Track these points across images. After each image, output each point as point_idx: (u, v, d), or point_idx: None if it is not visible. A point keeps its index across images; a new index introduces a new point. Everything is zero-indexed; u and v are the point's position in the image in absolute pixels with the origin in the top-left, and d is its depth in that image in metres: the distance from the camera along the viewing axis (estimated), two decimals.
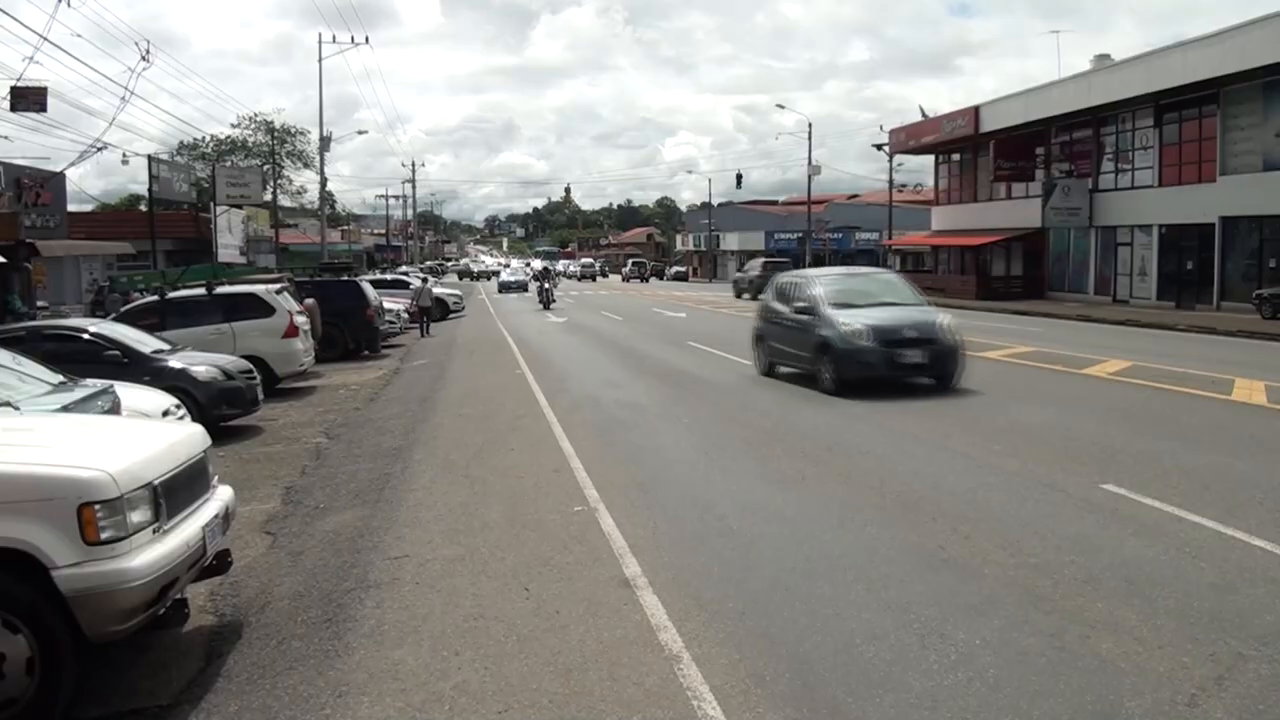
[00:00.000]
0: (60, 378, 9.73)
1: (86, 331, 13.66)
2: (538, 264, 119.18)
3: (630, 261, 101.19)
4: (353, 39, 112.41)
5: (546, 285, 45.61)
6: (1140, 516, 7.88)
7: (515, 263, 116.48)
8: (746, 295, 47.82)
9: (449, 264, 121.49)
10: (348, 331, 24.18)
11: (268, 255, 54.66)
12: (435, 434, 12.72)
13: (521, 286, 67.19)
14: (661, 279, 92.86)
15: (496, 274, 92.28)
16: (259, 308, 17.72)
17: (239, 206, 51.82)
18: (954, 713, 4.63)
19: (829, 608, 6.00)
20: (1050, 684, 4.89)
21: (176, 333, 16.09)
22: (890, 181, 62.55)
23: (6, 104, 28.74)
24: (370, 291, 25.68)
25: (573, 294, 49.80)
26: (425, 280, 38.48)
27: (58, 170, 36.28)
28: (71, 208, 42.62)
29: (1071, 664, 5.12)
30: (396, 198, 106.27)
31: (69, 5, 29.03)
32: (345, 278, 27.09)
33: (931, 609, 5.92)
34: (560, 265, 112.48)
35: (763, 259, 58.95)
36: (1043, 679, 4.95)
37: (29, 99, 29.07)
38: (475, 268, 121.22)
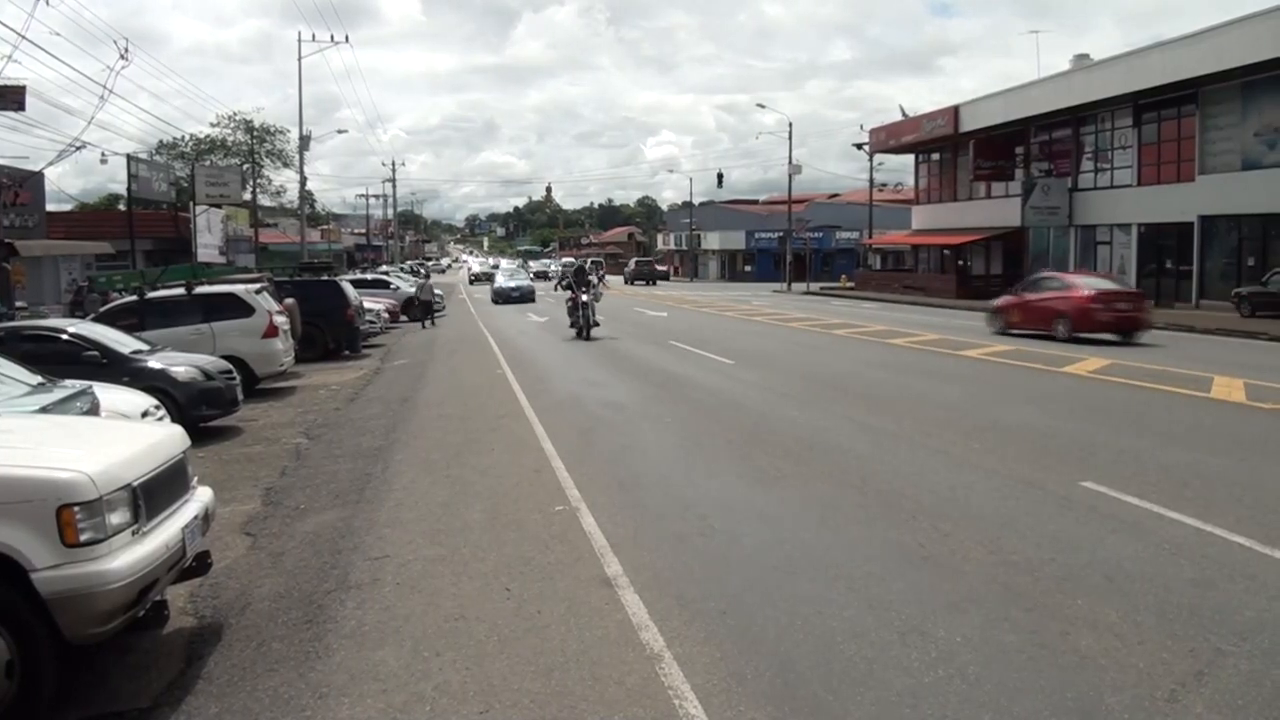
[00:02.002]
0: (39, 378, 9.66)
1: (65, 332, 13.57)
2: (537, 263, 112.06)
3: (589, 261, 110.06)
4: (332, 37, 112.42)
5: (585, 298, 26.47)
6: (1119, 514, 7.93)
7: (506, 263, 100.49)
8: (630, 283, 71.01)
9: (430, 263, 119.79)
10: (328, 331, 24.07)
11: (247, 255, 54.50)
12: (416, 434, 12.68)
13: (524, 296, 48.92)
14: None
15: (490, 277, 71.68)
16: (238, 308, 17.62)
17: (218, 206, 51.60)
18: (934, 710, 4.65)
19: (810, 606, 6.02)
20: (1030, 680, 4.91)
21: (156, 333, 16.00)
22: (870, 181, 62.75)
23: None
24: (350, 291, 25.57)
25: (553, 294, 47.06)
26: (428, 276, 45.63)
27: (36, 169, 36.11)
28: (50, 207, 42.44)
29: (1051, 660, 5.15)
30: (377, 197, 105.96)
31: (47, 3, 28.86)
32: (325, 277, 26.98)
33: (912, 606, 5.95)
34: (543, 264, 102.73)
35: (636, 258, 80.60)
36: (1023, 675, 4.97)
37: (7, 98, 28.93)
38: (477, 268, 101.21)
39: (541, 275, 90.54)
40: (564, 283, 26.90)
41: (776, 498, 8.84)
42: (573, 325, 26.94)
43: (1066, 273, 31.28)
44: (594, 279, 27.31)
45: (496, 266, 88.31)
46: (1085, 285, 25.36)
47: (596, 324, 26.75)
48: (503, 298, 49.11)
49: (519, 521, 8.23)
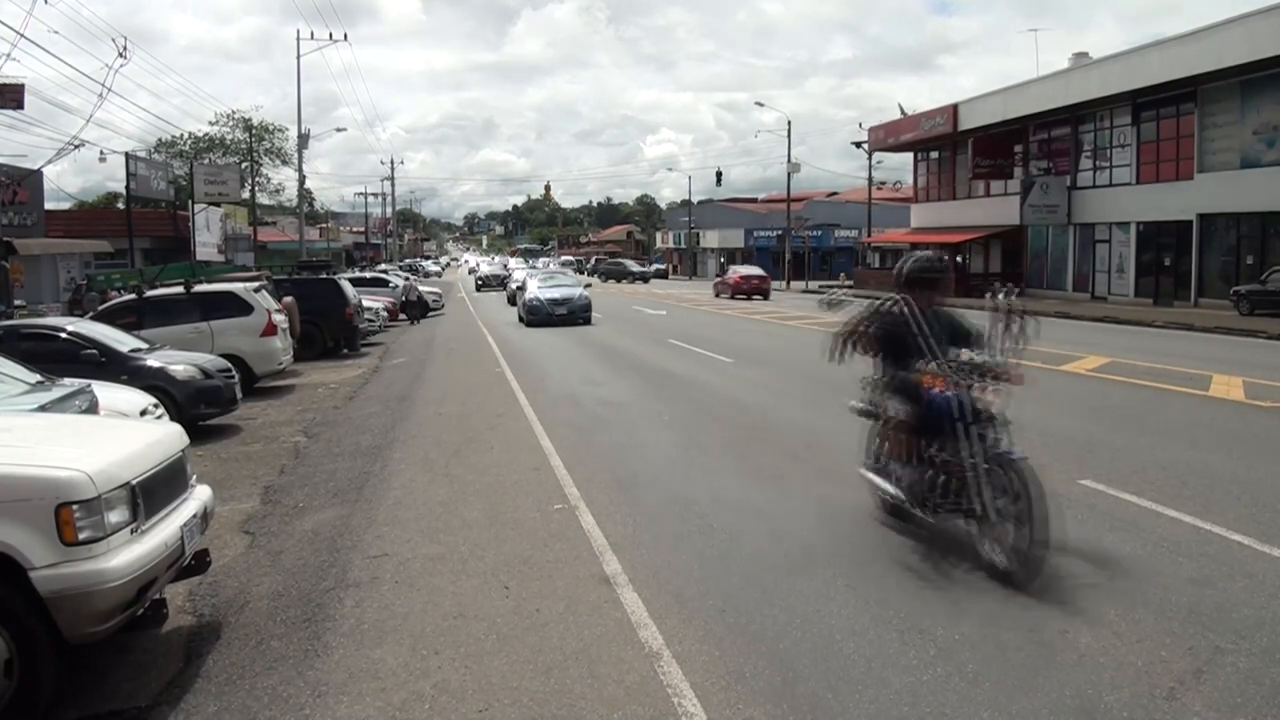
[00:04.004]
0: (38, 377, 9.66)
1: (64, 330, 13.56)
2: (634, 262, 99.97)
3: (1006, 291, 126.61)
4: (331, 35, 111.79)
5: (982, 394, 6.83)
6: (1118, 512, 7.93)
7: (514, 262, 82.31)
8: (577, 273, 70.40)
9: (427, 262, 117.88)
10: (326, 330, 24.08)
11: (246, 253, 54.48)
12: (415, 432, 12.67)
13: (574, 313, 31.03)
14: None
15: (503, 281, 58.00)
16: (237, 306, 17.61)
17: (217, 204, 51.56)
18: (933, 708, 4.65)
19: (809, 604, 6.02)
20: (1029, 679, 4.91)
21: (154, 331, 16.00)
22: (869, 179, 62.73)
23: None
24: (349, 290, 25.55)
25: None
26: (428, 275, 49.59)
27: (35, 168, 36.08)
28: (49, 205, 42.44)
29: (1050, 659, 5.15)
30: (376, 195, 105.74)
31: (46, 1, 28.89)
32: (324, 276, 26.94)
33: (911, 605, 5.95)
34: (542, 263, 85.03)
35: (596, 255, 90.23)
36: (1021, 674, 4.97)
37: (6, 96, 28.93)
38: (486, 269, 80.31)
39: (642, 277, 77.96)
40: (874, 322, 8.75)
41: (774, 496, 8.84)
42: (901, 498, 7.52)
43: (737, 265, 60.21)
44: (1005, 298, 7.19)
45: (505, 266, 72.06)
46: (739, 271, 51.91)
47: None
48: (541, 317, 30.78)
49: (518, 520, 8.23)
